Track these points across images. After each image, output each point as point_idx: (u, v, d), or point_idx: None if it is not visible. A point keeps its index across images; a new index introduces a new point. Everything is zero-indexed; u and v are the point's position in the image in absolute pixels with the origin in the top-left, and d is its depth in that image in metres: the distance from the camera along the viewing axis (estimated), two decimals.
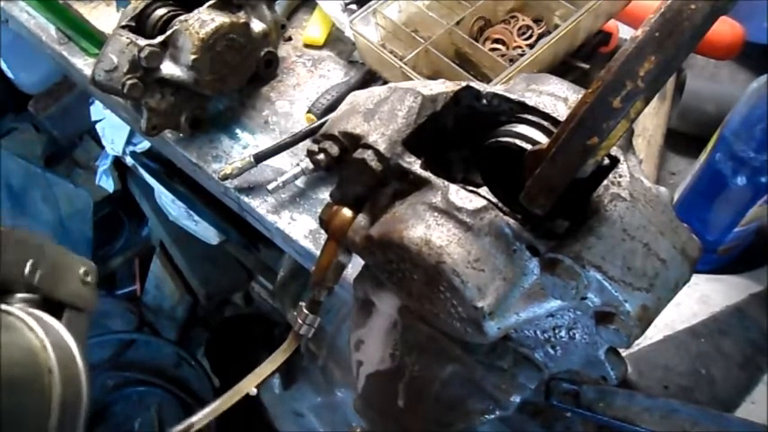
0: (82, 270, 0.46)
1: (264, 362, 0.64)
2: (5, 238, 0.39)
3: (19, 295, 0.40)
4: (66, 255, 0.45)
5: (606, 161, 0.51)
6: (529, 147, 0.51)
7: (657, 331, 0.66)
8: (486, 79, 0.84)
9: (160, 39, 0.82)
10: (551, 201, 0.45)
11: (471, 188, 0.51)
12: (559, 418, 0.64)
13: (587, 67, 0.89)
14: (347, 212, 0.57)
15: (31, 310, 0.40)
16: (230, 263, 1.69)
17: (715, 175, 0.71)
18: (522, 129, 0.53)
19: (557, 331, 0.51)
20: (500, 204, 0.50)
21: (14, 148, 1.83)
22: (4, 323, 0.38)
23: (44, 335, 0.38)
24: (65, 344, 0.39)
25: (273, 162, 0.88)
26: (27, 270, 0.40)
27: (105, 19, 1.01)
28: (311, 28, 1.03)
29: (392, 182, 0.54)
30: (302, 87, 0.98)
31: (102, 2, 1.04)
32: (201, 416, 0.59)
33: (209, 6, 0.85)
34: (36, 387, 0.36)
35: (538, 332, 0.52)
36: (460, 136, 0.59)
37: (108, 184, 1.80)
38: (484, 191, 0.52)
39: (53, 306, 0.43)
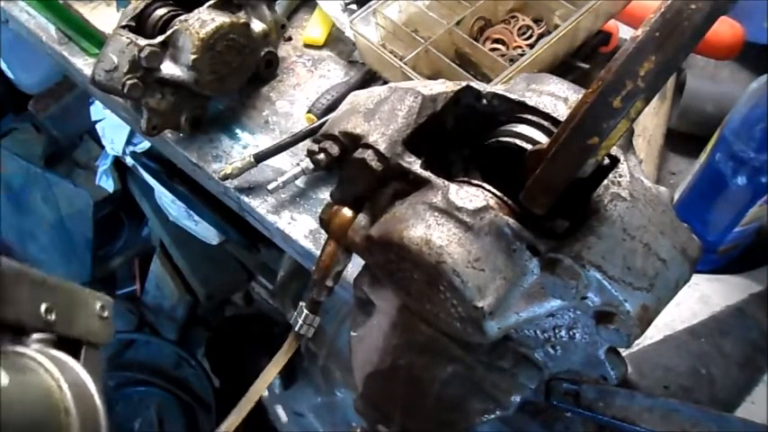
0: (98, 305, 0.45)
1: (268, 366, 0.64)
2: (17, 278, 0.39)
3: (35, 336, 0.40)
4: (81, 292, 0.45)
5: (606, 161, 0.51)
6: (529, 146, 0.51)
7: (657, 331, 0.66)
8: (486, 79, 0.84)
9: (160, 39, 0.82)
10: (551, 200, 0.45)
11: (476, 182, 0.51)
12: (559, 418, 0.64)
13: (587, 67, 0.89)
14: (347, 212, 0.57)
15: (47, 349, 0.40)
16: (230, 263, 1.69)
17: (715, 175, 0.71)
18: (522, 128, 0.53)
19: (557, 331, 0.51)
20: (505, 198, 0.50)
21: (14, 148, 1.83)
22: (18, 365, 0.37)
23: (60, 374, 0.37)
24: (81, 382, 0.39)
25: (273, 162, 0.88)
26: (43, 311, 0.40)
27: (105, 19, 1.01)
28: (311, 28, 1.03)
29: (392, 182, 0.54)
30: (302, 87, 0.98)
31: (102, 2, 1.04)
32: (222, 431, 0.59)
33: (209, 6, 0.85)
34: (53, 428, 0.36)
35: (538, 332, 0.52)
36: (460, 136, 0.59)
37: (108, 184, 1.79)
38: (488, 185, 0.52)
39: (69, 343, 0.42)
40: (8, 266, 0.37)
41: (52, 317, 0.40)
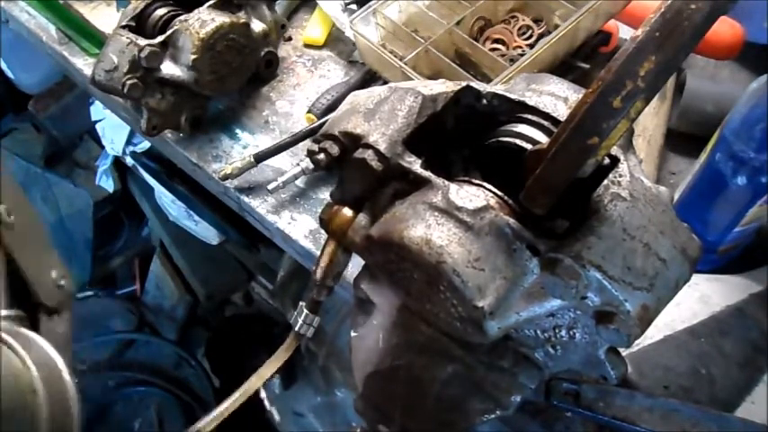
0: (54, 272, 0.44)
1: (266, 363, 0.64)
2: None
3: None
4: (44, 241, 0.44)
5: (606, 161, 0.51)
6: (529, 146, 0.51)
7: (657, 331, 0.66)
8: (487, 79, 0.84)
9: (160, 39, 0.82)
10: (551, 200, 0.45)
11: (477, 182, 0.51)
12: (559, 417, 0.64)
13: (587, 67, 0.89)
14: (347, 212, 0.57)
15: (11, 327, 0.39)
16: (230, 263, 1.69)
17: (715, 175, 0.71)
18: (522, 128, 0.53)
19: (557, 331, 0.51)
20: (505, 197, 0.50)
21: (14, 148, 1.83)
22: None
23: (26, 354, 0.37)
24: (49, 360, 0.38)
25: (273, 162, 0.88)
26: (2, 210, 0.39)
27: (105, 19, 1.01)
28: (311, 28, 1.03)
29: (392, 182, 0.54)
30: (302, 87, 0.98)
31: (102, 2, 1.04)
32: (208, 420, 0.59)
33: (210, 6, 0.85)
34: (21, 409, 0.35)
35: (538, 332, 0.52)
36: (460, 136, 0.59)
37: (108, 184, 1.79)
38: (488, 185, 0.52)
39: (31, 315, 0.41)
40: None
41: (9, 218, 0.39)
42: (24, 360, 0.36)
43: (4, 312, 0.39)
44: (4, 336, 0.37)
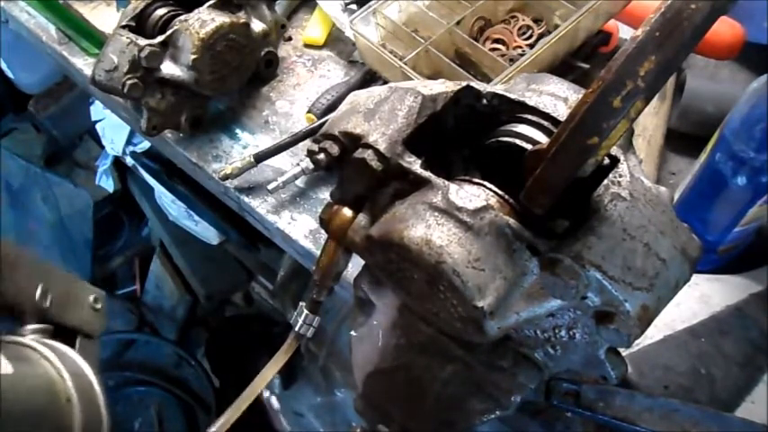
0: (92, 297, 0.46)
1: (267, 364, 0.64)
2: (17, 261, 0.39)
3: (31, 326, 0.41)
4: (75, 282, 0.45)
5: (606, 161, 0.51)
6: (529, 146, 0.51)
7: (657, 331, 0.66)
8: (487, 79, 0.84)
9: (160, 39, 0.82)
10: (551, 200, 0.45)
11: (477, 180, 0.51)
12: (559, 417, 0.64)
13: (587, 67, 0.89)
14: (347, 212, 0.57)
15: (45, 340, 0.40)
16: (230, 263, 1.69)
17: (715, 175, 0.71)
18: (522, 128, 0.53)
19: (557, 331, 0.51)
20: (506, 196, 0.50)
21: (14, 148, 1.83)
22: (19, 354, 0.38)
23: (60, 364, 0.38)
24: (81, 372, 0.40)
25: (273, 162, 0.88)
26: (38, 294, 0.41)
27: (105, 19, 1.01)
28: (311, 28, 1.03)
29: (392, 182, 0.54)
30: (302, 87, 0.98)
31: (102, 2, 1.04)
32: (218, 425, 0.59)
33: (209, 6, 0.85)
34: (56, 417, 0.37)
35: (538, 332, 0.52)
36: (460, 136, 0.59)
37: (108, 184, 1.80)
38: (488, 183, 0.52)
39: (65, 334, 0.43)
40: (8, 248, 0.38)
41: (47, 302, 0.41)
42: (60, 370, 0.38)
43: (34, 326, 0.41)
44: (37, 345, 0.39)
